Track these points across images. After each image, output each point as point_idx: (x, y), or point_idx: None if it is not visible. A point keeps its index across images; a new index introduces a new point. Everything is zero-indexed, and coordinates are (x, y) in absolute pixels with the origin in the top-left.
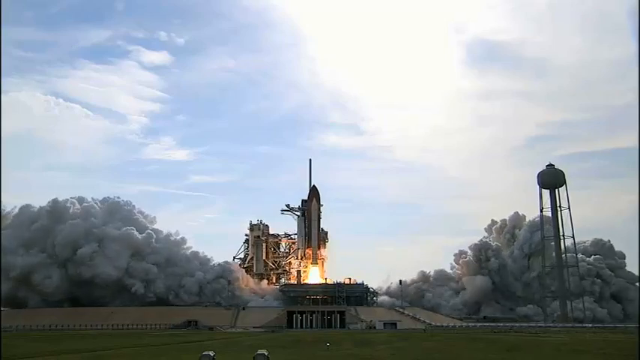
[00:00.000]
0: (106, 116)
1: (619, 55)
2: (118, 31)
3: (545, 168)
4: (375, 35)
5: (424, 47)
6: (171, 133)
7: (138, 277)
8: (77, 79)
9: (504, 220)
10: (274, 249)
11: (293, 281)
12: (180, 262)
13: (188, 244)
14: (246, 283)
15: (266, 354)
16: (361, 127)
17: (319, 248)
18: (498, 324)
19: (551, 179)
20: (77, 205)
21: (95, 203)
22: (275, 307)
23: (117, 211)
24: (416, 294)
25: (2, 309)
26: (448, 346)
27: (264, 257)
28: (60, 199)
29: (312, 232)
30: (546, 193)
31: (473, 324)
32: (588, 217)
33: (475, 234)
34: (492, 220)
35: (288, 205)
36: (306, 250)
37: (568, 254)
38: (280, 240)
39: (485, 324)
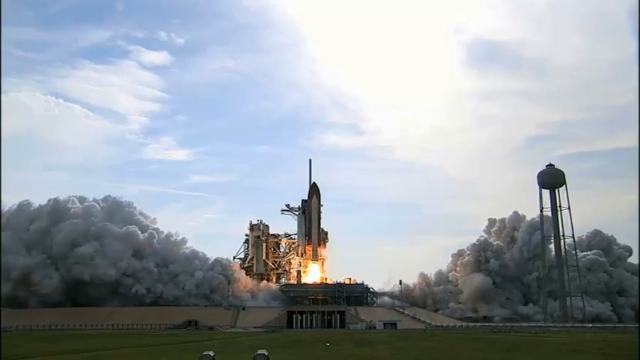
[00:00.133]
0: (106, 116)
1: (619, 55)
2: (118, 31)
3: (545, 168)
4: (375, 35)
5: (424, 47)
6: (171, 133)
7: (138, 277)
8: (77, 79)
9: (503, 219)
10: (274, 249)
11: (293, 281)
12: (181, 262)
13: (188, 245)
14: (244, 281)
15: (266, 354)
16: (361, 127)
17: (319, 246)
18: (498, 324)
19: (551, 179)
20: (77, 204)
21: (97, 203)
22: (275, 307)
23: (118, 210)
24: (421, 297)
25: (2, 309)
26: (448, 346)
27: (264, 257)
28: (60, 199)
29: (312, 230)
30: (546, 193)
31: (473, 324)
32: (588, 217)
33: (475, 234)
34: (490, 220)
35: (288, 205)
36: (306, 248)
37: (568, 254)
38: (280, 240)
39: (485, 324)
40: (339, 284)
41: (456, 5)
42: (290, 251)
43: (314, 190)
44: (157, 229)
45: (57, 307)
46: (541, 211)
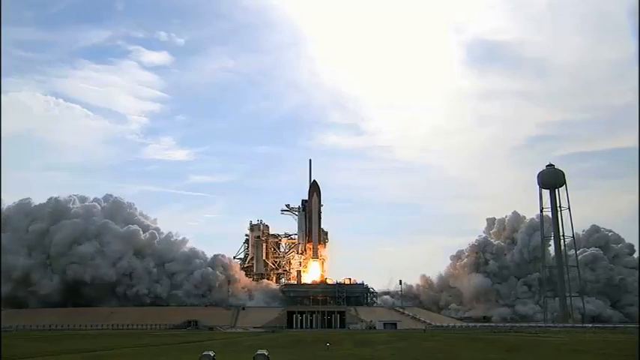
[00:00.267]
0: (106, 116)
1: (619, 55)
2: (118, 31)
3: (545, 168)
4: (375, 35)
5: (424, 47)
6: (171, 133)
7: (139, 277)
8: (77, 79)
9: (502, 219)
10: (274, 249)
11: (293, 281)
12: (180, 261)
13: (189, 245)
14: (242, 278)
15: (266, 354)
16: (361, 127)
17: (319, 244)
18: (498, 324)
19: (551, 179)
20: (77, 203)
21: (98, 203)
22: (275, 307)
23: (119, 210)
24: (426, 299)
25: (2, 309)
26: (448, 346)
27: (264, 257)
28: (61, 198)
29: (312, 227)
30: (546, 193)
31: (473, 324)
32: (588, 217)
33: (475, 234)
34: (489, 219)
35: (288, 205)
36: (307, 246)
37: (568, 254)
38: (280, 240)
39: (485, 324)
40: (339, 284)
41: (456, 5)
42: (290, 249)
43: (314, 188)
44: (157, 229)
45: (57, 307)
46: (541, 211)
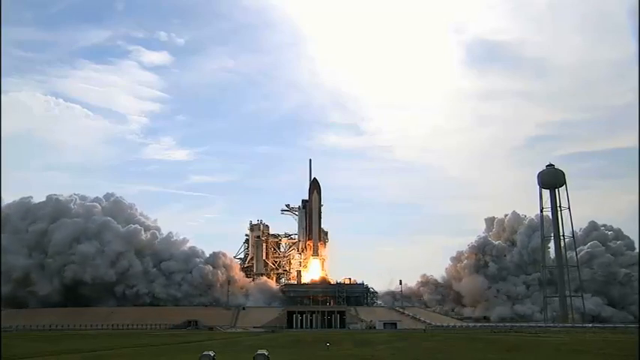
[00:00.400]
0: (106, 116)
1: (619, 55)
2: (118, 31)
3: (545, 168)
4: (374, 35)
5: (424, 47)
6: (171, 133)
7: (139, 277)
8: (77, 79)
9: (501, 219)
10: (274, 249)
11: (293, 281)
12: (180, 261)
13: (189, 245)
14: (239, 275)
15: (266, 354)
16: (361, 127)
17: (320, 241)
18: (498, 324)
19: (551, 179)
20: (78, 201)
21: (98, 203)
22: (275, 307)
23: (119, 210)
24: (426, 300)
25: (2, 309)
26: (448, 346)
27: (264, 257)
28: (62, 198)
29: (312, 225)
30: (546, 193)
31: (473, 324)
32: (588, 217)
33: (475, 234)
34: (487, 219)
35: (288, 205)
36: (307, 243)
37: (568, 254)
38: (280, 240)
39: (485, 324)
40: (339, 284)
41: (456, 5)
42: (290, 247)
43: (314, 185)
44: (157, 228)
45: (57, 307)
46: (541, 211)
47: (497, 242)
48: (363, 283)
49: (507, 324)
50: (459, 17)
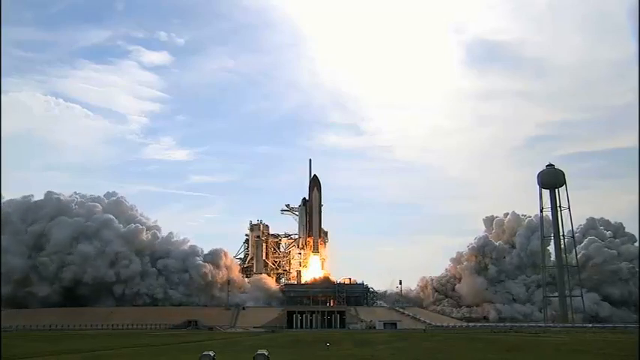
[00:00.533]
0: (106, 116)
1: (619, 55)
2: (118, 31)
3: (545, 168)
4: (374, 35)
5: (424, 47)
6: (171, 133)
7: (139, 277)
8: (77, 79)
9: (500, 218)
10: (274, 249)
11: (293, 281)
12: (180, 260)
13: (189, 244)
14: (236, 273)
15: (266, 354)
16: (361, 127)
17: (320, 238)
18: (498, 324)
19: (551, 179)
20: (79, 200)
21: (99, 203)
22: (275, 307)
23: (120, 209)
24: (426, 301)
25: (2, 309)
26: (448, 346)
27: (264, 257)
28: (63, 198)
29: (313, 221)
30: (546, 193)
31: (473, 324)
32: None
33: (474, 234)
34: (486, 219)
35: (288, 205)
36: (307, 240)
37: (568, 254)
38: (280, 240)
39: (485, 324)
40: (339, 284)
41: (456, 5)
42: (291, 244)
43: (315, 183)
44: (157, 227)
45: (57, 307)
46: (541, 211)
47: (497, 243)
48: (363, 283)
49: (507, 324)
50: (459, 17)
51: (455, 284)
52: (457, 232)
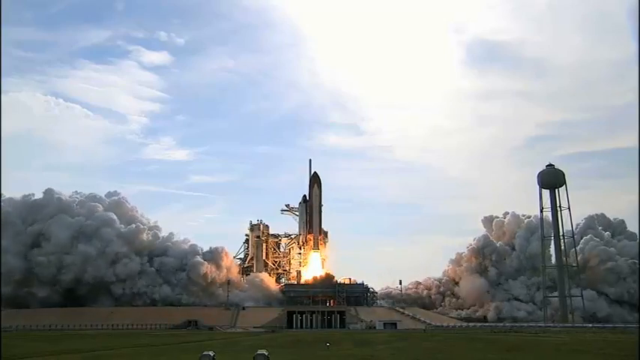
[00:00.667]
0: (106, 116)
1: (619, 55)
2: (118, 31)
3: (545, 168)
4: (374, 35)
5: (424, 47)
6: (171, 133)
7: (139, 277)
8: (77, 79)
9: (500, 220)
10: (274, 249)
11: (293, 281)
12: (180, 260)
13: (190, 244)
14: (234, 271)
15: (266, 354)
16: (361, 127)
17: (320, 234)
18: (498, 324)
19: (551, 179)
20: (79, 199)
21: (100, 203)
22: (275, 307)
23: (121, 209)
24: (433, 300)
25: (2, 309)
26: (448, 346)
27: (264, 257)
28: (63, 197)
29: (313, 218)
30: (546, 193)
31: (473, 324)
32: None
33: (474, 234)
34: (485, 218)
35: (288, 205)
36: (307, 237)
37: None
38: (280, 240)
39: (485, 324)
40: (339, 284)
41: (456, 5)
42: (291, 242)
43: (315, 180)
44: (157, 227)
45: (57, 307)
46: (541, 211)
47: (498, 244)
48: (363, 283)
49: (507, 324)
50: (459, 17)
51: (454, 286)
52: (457, 232)
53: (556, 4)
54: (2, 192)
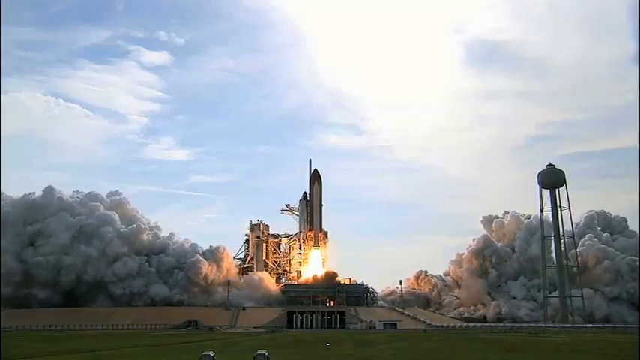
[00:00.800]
0: (106, 116)
1: (619, 55)
2: (118, 31)
3: (545, 168)
4: (374, 35)
5: (424, 47)
6: (171, 133)
7: (139, 277)
8: (77, 79)
9: (501, 221)
10: (274, 249)
11: (293, 281)
12: (179, 259)
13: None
14: (232, 268)
15: (266, 354)
16: (361, 127)
17: (320, 231)
18: (498, 324)
19: (551, 179)
20: (80, 199)
21: (101, 203)
22: (275, 307)
23: (121, 209)
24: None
25: (2, 309)
26: (448, 346)
27: (264, 257)
28: (64, 196)
29: (313, 215)
30: (546, 193)
31: (473, 324)
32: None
33: (474, 234)
34: (484, 218)
35: (288, 205)
36: (308, 233)
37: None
38: (280, 240)
39: (485, 324)
40: (339, 284)
41: (456, 5)
42: (292, 238)
43: (315, 177)
44: (158, 227)
45: (57, 307)
46: (541, 211)
47: (499, 244)
48: (363, 283)
49: (507, 324)
50: (459, 17)
51: (456, 287)
52: (457, 232)
53: (556, 4)
54: (2, 192)
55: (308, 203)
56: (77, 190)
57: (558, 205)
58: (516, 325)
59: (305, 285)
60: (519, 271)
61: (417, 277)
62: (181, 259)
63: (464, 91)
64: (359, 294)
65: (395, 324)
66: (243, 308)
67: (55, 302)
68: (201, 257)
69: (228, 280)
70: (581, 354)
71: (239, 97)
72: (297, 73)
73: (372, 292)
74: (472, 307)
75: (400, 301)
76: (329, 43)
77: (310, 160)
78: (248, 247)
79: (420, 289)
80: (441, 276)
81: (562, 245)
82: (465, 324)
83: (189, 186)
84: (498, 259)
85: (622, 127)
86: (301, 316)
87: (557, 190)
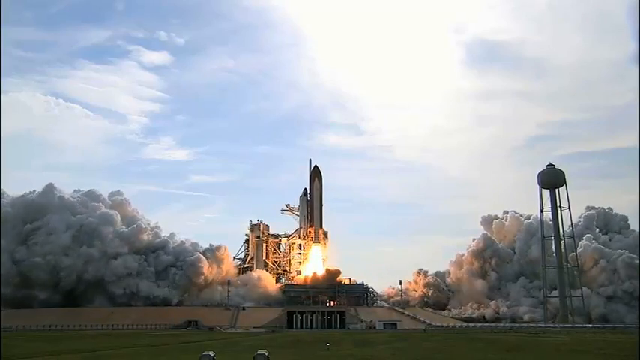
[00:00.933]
0: (106, 116)
1: (619, 55)
2: (118, 31)
3: (545, 168)
4: (374, 35)
5: (424, 47)
6: (171, 133)
7: (139, 277)
8: (77, 79)
9: (500, 221)
10: (274, 249)
11: (293, 281)
12: (179, 258)
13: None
14: (231, 267)
15: (266, 354)
16: (361, 127)
17: (321, 227)
18: (498, 324)
19: (551, 179)
20: (81, 199)
21: (101, 203)
22: (275, 307)
23: (121, 209)
24: (435, 301)
25: (2, 309)
26: (448, 346)
27: (264, 257)
28: (65, 196)
29: (314, 211)
30: (546, 193)
31: (473, 324)
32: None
33: (474, 234)
34: (484, 218)
35: (288, 205)
36: (309, 230)
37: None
38: (280, 240)
39: (485, 324)
40: (339, 284)
41: (456, 5)
42: (292, 235)
43: (315, 173)
44: (158, 227)
45: (57, 307)
46: (541, 211)
47: (501, 244)
48: (363, 283)
49: (507, 324)
50: (459, 17)
51: (457, 288)
52: (457, 232)
53: (556, 4)
54: (2, 192)
55: (308, 200)
56: (77, 189)
57: (558, 205)
58: (516, 325)
59: (305, 285)
60: (519, 272)
61: (417, 277)
62: (181, 257)
63: (464, 91)
64: (359, 294)
65: (395, 324)
66: (243, 308)
67: (55, 302)
68: (201, 256)
69: (228, 280)
70: (581, 354)
71: (239, 97)
72: (297, 73)
73: (372, 292)
74: (472, 307)
75: (400, 301)
76: (329, 43)
77: (310, 160)
78: (248, 247)
79: (420, 289)
80: (440, 272)
81: (562, 246)
82: (465, 324)
83: (189, 186)
84: (498, 261)
85: (622, 127)
86: (301, 316)
87: (557, 190)
